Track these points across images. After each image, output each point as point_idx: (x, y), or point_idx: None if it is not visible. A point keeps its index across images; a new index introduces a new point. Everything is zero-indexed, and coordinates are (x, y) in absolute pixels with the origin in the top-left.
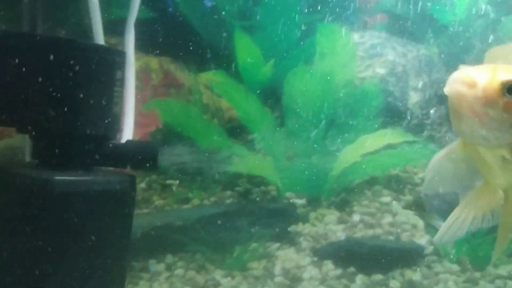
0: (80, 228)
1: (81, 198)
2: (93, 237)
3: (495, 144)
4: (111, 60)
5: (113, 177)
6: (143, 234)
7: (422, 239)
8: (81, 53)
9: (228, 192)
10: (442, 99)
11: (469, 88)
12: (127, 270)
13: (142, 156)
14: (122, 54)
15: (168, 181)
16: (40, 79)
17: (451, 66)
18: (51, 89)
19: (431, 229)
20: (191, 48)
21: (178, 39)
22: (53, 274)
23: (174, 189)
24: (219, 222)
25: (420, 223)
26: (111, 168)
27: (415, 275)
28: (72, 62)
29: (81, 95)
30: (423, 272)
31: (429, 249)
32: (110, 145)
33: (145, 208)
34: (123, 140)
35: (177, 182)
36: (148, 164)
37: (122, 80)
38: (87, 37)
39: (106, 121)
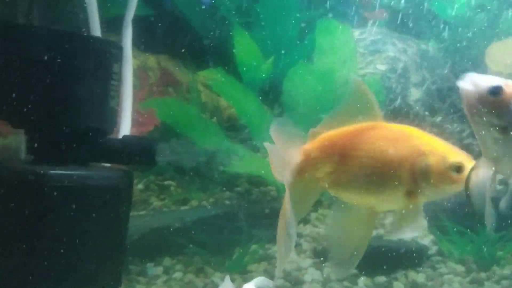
0: (74, 222)
1: (76, 192)
2: (87, 232)
3: None
4: (107, 52)
5: (109, 172)
6: (140, 236)
7: (425, 239)
8: (76, 45)
9: (227, 193)
10: (443, 95)
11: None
12: (123, 265)
13: (139, 151)
14: (118, 47)
15: (166, 182)
16: (34, 72)
17: (452, 61)
18: (45, 82)
19: (435, 229)
20: (189, 46)
21: (176, 36)
22: (46, 268)
23: (172, 190)
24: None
25: (424, 223)
26: (109, 164)
27: (419, 276)
28: (67, 54)
29: (77, 88)
30: (427, 273)
31: (433, 249)
32: (107, 139)
33: (142, 210)
34: (120, 135)
35: (175, 183)
36: (145, 159)
37: (119, 74)
38: (84, 31)
39: (102, 115)
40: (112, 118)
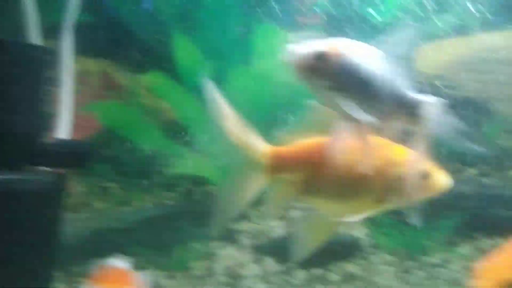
0: (5, 227)
1: (7, 197)
2: (15, 235)
3: None
4: (39, 57)
5: (41, 176)
6: (83, 238)
7: (359, 232)
8: (5, 51)
9: (169, 193)
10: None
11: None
12: (54, 271)
13: (70, 154)
14: (51, 52)
15: (108, 184)
16: None
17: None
18: None
19: (369, 223)
20: (130, 50)
21: (117, 41)
22: None
23: (114, 192)
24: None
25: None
26: (45, 168)
27: (354, 267)
28: None
29: (6, 93)
30: (361, 264)
31: (367, 241)
32: (39, 143)
33: (84, 212)
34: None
35: (117, 184)
36: (76, 162)
37: (54, 79)
38: (23, 38)
39: (34, 119)
40: (45, 123)
